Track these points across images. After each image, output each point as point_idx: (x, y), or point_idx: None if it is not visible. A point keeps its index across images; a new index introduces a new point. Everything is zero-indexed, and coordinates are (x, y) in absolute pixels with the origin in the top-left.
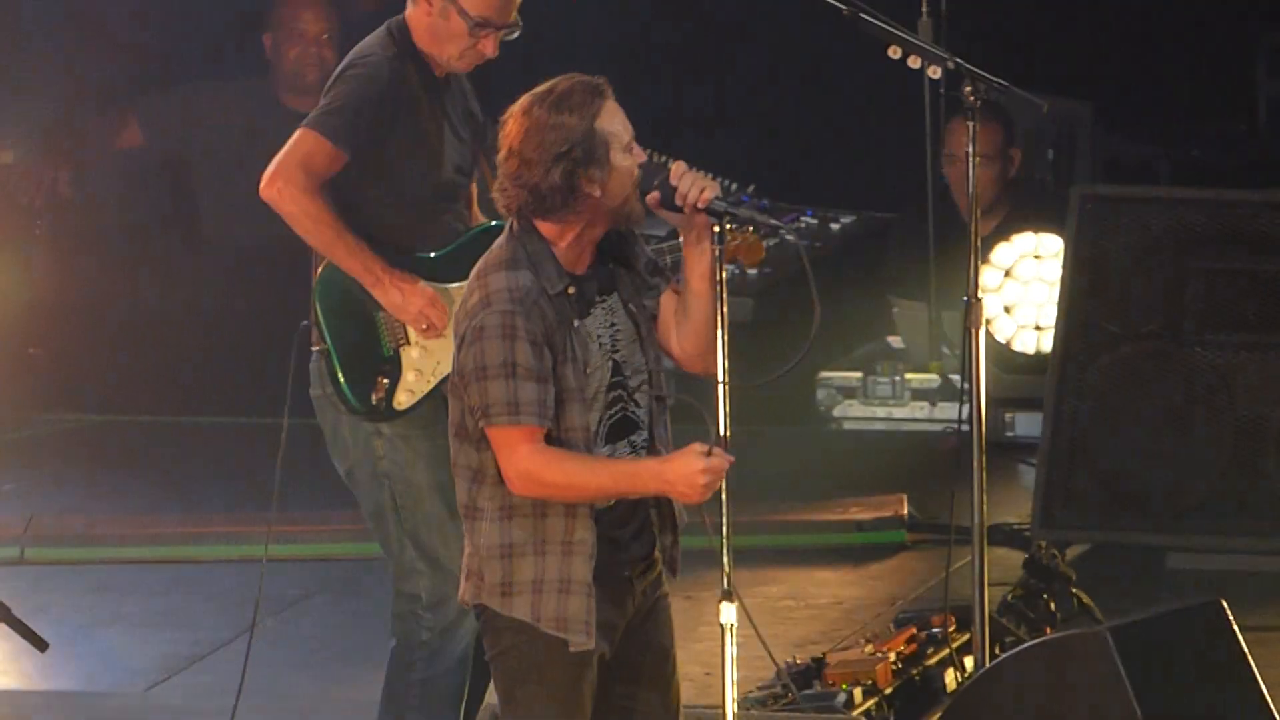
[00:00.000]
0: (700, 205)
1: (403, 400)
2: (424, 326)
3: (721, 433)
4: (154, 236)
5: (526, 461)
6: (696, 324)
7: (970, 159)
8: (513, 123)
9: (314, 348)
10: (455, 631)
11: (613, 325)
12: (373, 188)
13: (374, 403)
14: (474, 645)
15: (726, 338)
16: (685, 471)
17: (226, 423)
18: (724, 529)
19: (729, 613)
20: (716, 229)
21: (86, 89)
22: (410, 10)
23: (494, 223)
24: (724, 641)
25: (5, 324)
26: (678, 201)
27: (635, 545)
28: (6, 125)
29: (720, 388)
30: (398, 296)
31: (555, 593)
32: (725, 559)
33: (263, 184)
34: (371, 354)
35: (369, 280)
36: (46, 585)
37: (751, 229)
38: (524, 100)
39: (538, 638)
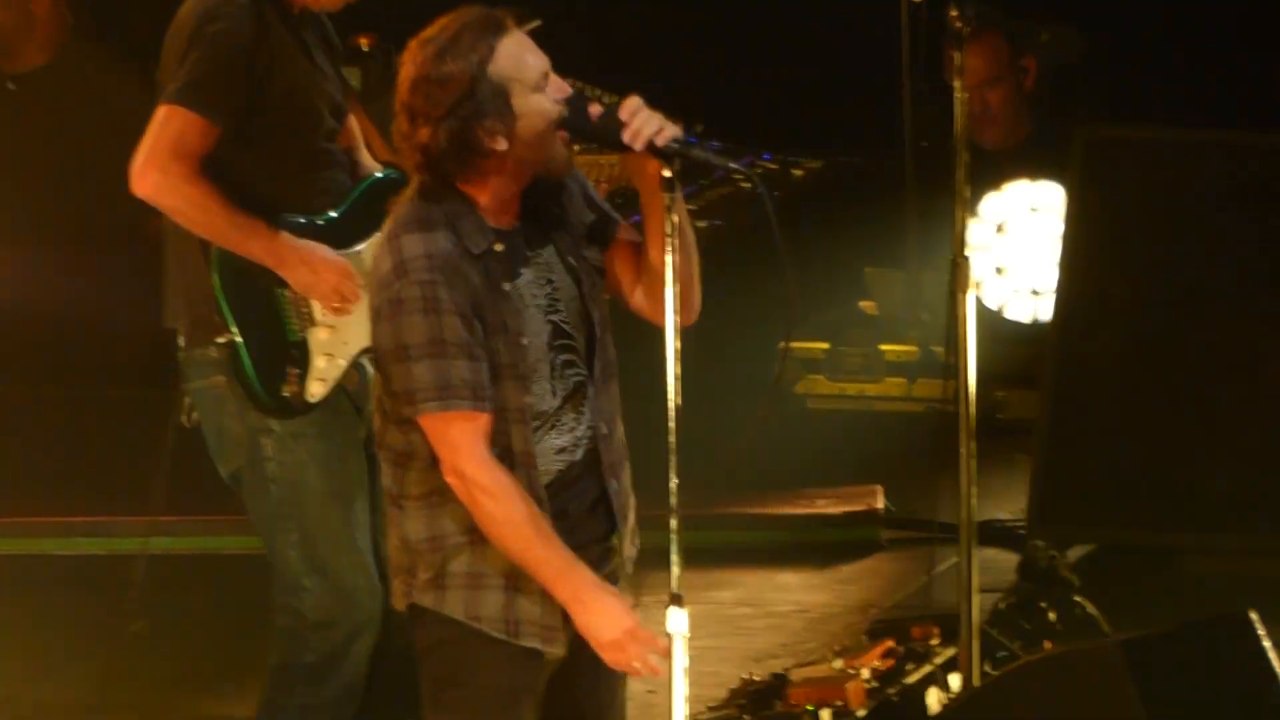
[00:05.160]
0: (659, 144)
1: (316, 391)
2: (337, 304)
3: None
4: None
5: (473, 468)
6: (659, 277)
7: (957, 93)
8: (402, 72)
9: (218, 339)
10: (344, 657)
11: (550, 283)
12: (250, 153)
13: (287, 397)
14: (366, 674)
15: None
16: (614, 616)
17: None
18: (673, 522)
19: (679, 620)
20: (667, 173)
21: None
22: None
23: (384, 171)
24: (672, 654)
25: None
26: (626, 139)
27: (590, 523)
28: None
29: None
30: (307, 274)
31: (500, 590)
32: (674, 557)
33: (133, 178)
34: (279, 341)
35: (273, 261)
36: None
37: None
38: (411, 45)
39: (472, 634)
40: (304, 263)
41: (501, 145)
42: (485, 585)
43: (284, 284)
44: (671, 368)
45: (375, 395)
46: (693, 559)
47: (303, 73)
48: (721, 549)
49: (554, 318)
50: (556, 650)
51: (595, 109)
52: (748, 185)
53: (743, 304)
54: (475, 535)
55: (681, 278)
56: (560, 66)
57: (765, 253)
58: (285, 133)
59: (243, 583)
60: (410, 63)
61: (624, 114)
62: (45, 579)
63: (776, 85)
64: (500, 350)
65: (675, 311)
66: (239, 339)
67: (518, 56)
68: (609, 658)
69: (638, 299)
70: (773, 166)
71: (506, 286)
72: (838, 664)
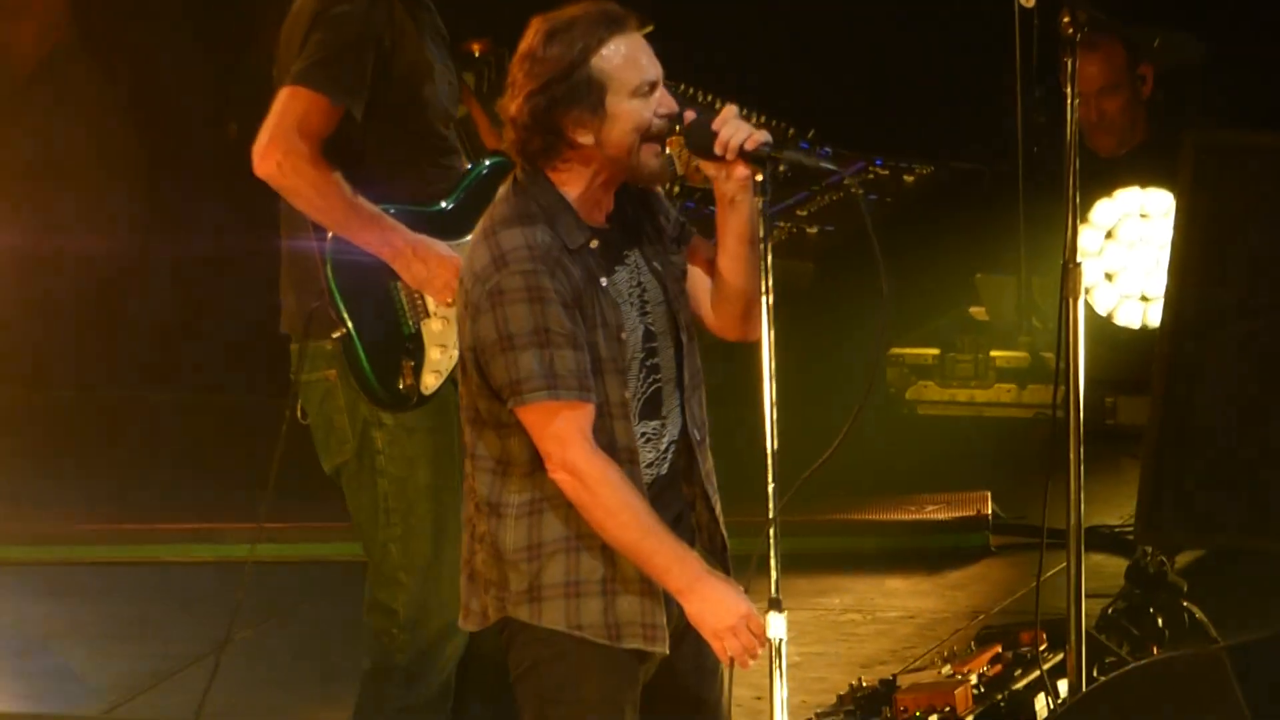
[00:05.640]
0: (748, 148)
1: (430, 383)
2: (450, 300)
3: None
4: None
5: (583, 460)
6: (734, 291)
7: (1069, 99)
8: (519, 45)
9: (334, 335)
10: (436, 656)
11: (640, 285)
12: (369, 137)
13: (402, 390)
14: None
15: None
16: (730, 603)
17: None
18: (771, 527)
19: (778, 625)
20: (759, 177)
21: None
22: None
23: (493, 159)
24: (772, 660)
25: None
26: (718, 149)
27: (678, 535)
28: None
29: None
30: (422, 270)
31: (598, 595)
32: (773, 562)
33: (256, 159)
34: (394, 334)
35: (388, 254)
36: None
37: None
38: (531, 22)
39: (573, 648)
40: (419, 257)
41: (586, 139)
42: (583, 592)
43: (397, 276)
44: (768, 368)
45: (463, 405)
46: (801, 564)
47: (422, 55)
48: (830, 554)
49: (644, 320)
50: (659, 648)
51: (689, 113)
52: (858, 192)
53: (852, 309)
54: (571, 542)
55: (748, 293)
56: (672, 72)
57: (873, 258)
58: (405, 116)
59: (349, 589)
60: (524, 39)
61: (716, 124)
62: (157, 586)
63: (889, 91)
64: (600, 344)
65: (770, 325)
66: (353, 332)
67: (627, 57)
68: (720, 646)
69: (706, 312)
70: (884, 172)
71: (604, 282)
72: (946, 670)
